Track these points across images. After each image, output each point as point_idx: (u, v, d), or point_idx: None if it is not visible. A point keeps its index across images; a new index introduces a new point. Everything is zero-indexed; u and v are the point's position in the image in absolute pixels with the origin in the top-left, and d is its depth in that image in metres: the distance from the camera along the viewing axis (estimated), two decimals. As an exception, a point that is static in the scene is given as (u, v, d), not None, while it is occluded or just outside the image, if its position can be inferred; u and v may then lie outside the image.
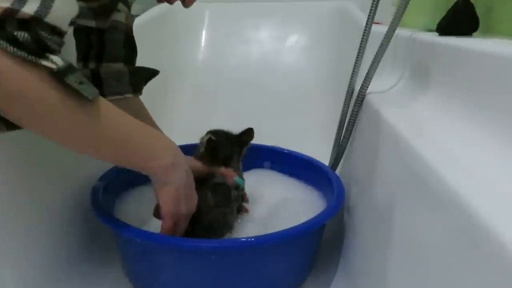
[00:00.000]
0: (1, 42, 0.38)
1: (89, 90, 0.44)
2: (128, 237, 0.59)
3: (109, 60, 0.69)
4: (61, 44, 0.44)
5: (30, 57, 0.40)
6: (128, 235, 0.58)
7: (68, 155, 0.69)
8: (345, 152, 0.83)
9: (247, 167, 0.83)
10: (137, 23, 0.71)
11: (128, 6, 0.71)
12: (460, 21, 0.70)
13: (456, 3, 0.71)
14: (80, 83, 0.44)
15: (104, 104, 0.48)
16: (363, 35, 0.81)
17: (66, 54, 0.45)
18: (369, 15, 0.80)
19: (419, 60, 0.73)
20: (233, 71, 1.55)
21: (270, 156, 0.86)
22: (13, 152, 0.55)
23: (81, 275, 0.66)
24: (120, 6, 0.69)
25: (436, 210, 0.40)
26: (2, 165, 0.53)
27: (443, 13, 0.72)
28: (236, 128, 0.77)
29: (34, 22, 0.40)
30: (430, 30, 0.78)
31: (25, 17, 0.39)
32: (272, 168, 0.86)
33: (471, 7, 0.70)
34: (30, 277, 0.59)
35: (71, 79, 0.42)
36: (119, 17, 0.69)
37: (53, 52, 0.42)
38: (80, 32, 0.68)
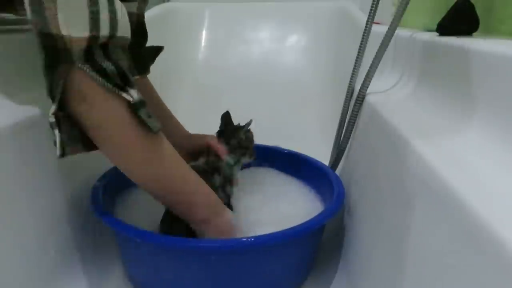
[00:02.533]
0: (93, 74, 0.45)
1: (154, 124, 0.50)
2: (128, 237, 0.59)
3: None
4: (133, 74, 0.52)
5: (114, 89, 0.46)
6: (128, 235, 0.58)
7: (68, 156, 0.69)
8: (345, 152, 0.83)
9: (247, 167, 0.83)
10: (137, 23, 0.71)
11: None
12: (460, 21, 0.70)
13: (456, 3, 0.71)
14: (149, 116, 0.49)
15: (165, 140, 0.54)
16: (363, 35, 0.81)
17: None
18: (369, 15, 0.80)
19: (419, 60, 0.73)
20: (233, 71, 1.55)
21: (269, 156, 0.86)
22: (13, 153, 0.55)
23: (81, 275, 0.66)
24: None
25: (436, 209, 0.40)
26: (2, 166, 0.53)
27: (443, 13, 0.72)
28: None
29: (111, 44, 0.46)
30: (430, 30, 0.78)
31: (104, 40, 0.45)
32: (271, 168, 0.86)
33: (471, 7, 0.70)
34: (30, 277, 0.59)
35: (142, 112, 0.48)
36: (131, 7, 0.69)
37: (132, 85, 0.48)
38: None
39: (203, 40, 1.61)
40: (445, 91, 0.61)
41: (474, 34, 0.71)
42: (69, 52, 0.44)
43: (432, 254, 0.39)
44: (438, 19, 0.73)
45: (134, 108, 0.48)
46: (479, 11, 0.70)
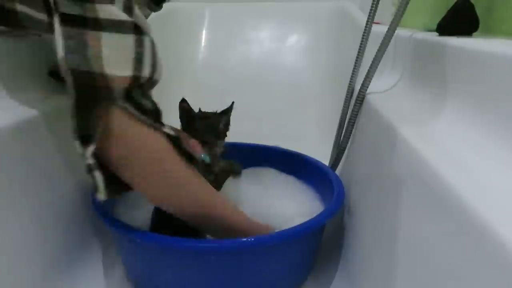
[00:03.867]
0: (133, 110, 0.45)
1: (198, 155, 0.52)
2: (128, 237, 0.59)
3: None
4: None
5: (155, 124, 0.47)
6: (128, 235, 0.58)
7: (68, 156, 0.69)
8: (345, 152, 0.83)
9: (248, 167, 0.83)
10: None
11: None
12: (460, 21, 0.70)
13: (456, 3, 0.71)
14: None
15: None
16: (363, 35, 0.81)
17: None
18: (369, 15, 0.80)
19: (419, 60, 0.73)
20: (233, 71, 1.55)
21: (270, 156, 0.86)
22: (14, 153, 0.55)
23: (81, 275, 0.66)
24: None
25: (436, 209, 0.40)
26: (3, 166, 0.53)
27: (443, 13, 0.72)
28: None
29: (148, 83, 0.47)
30: (430, 30, 0.78)
31: (143, 81, 0.46)
32: (271, 167, 0.86)
33: (471, 7, 0.70)
34: (30, 277, 0.59)
35: (183, 144, 0.50)
36: None
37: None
38: None
39: (203, 40, 1.61)
40: (445, 91, 0.61)
41: (474, 34, 0.71)
42: (110, 90, 0.43)
43: (432, 254, 0.39)
44: (438, 19, 0.73)
45: (175, 140, 0.48)
46: (479, 11, 0.70)
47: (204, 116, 0.71)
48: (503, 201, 0.34)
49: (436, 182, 0.40)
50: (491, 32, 0.74)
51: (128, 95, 0.45)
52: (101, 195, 0.48)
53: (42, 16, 0.47)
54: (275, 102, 1.43)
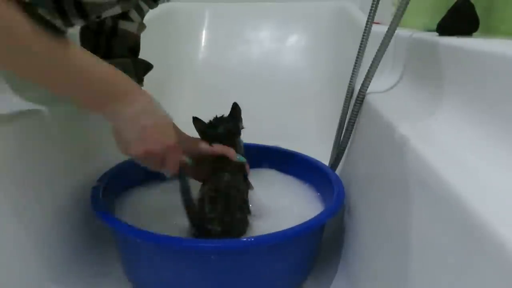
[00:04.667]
0: None
1: (59, 23, 0.44)
2: (128, 237, 0.59)
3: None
4: None
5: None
6: (128, 234, 0.58)
7: (68, 156, 0.69)
8: (345, 152, 0.83)
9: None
10: (137, 23, 0.72)
11: (142, 16, 0.73)
12: (460, 21, 0.70)
13: (456, 3, 0.71)
14: (52, 16, 0.43)
15: (73, 43, 0.46)
16: (363, 35, 0.81)
17: None
18: (369, 15, 0.80)
19: (419, 60, 0.73)
20: (233, 71, 1.55)
21: (270, 156, 0.86)
22: (13, 153, 0.55)
23: (80, 275, 0.66)
24: (134, 16, 0.71)
25: (436, 209, 0.40)
26: (2, 166, 0.53)
27: (443, 13, 0.72)
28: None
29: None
30: (430, 30, 0.78)
31: None
32: (272, 168, 0.86)
33: (471, 7, 0.70)
34: (30, 277, 0.59)
35: (43, 11, 0.41)
36: (130, 27, 0.71)
37: None
38: (88, 32, 0.69)
39: (203, 40, 1.61)
40: (445, 91, 0.61)
41: (474, 34, 0.71)
42: None
43: (432, 254, 0.39)
44: (438, 19, 0.73)
45: (31, 6, 0.41)
46: (479, 11, 0.70)
47: (221, 121, 0.75)
48: (503, 200, 0.34)
49: (436, 182, 0.40)
50: (491, 32, 0.74)
51: None
52: None
53: None
54: (275, 102, 1.43)
